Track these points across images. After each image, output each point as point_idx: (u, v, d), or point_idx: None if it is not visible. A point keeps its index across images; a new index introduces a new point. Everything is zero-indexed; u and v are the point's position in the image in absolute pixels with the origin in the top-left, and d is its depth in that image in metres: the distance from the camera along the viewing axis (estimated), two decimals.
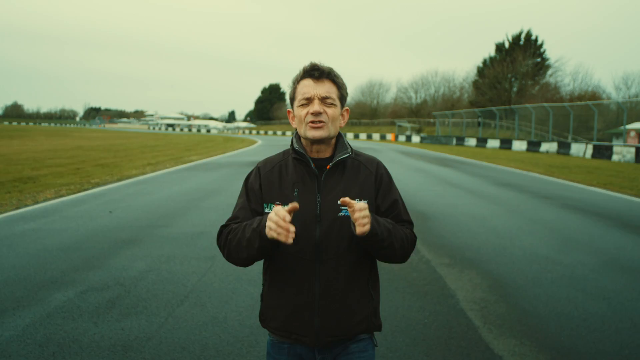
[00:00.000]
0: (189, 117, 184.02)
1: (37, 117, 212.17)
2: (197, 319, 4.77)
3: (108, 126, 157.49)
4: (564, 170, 22.43)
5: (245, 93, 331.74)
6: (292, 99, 2.20)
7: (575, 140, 40.33)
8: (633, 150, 29.87)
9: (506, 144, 44.88)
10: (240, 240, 2.05)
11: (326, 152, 2.20)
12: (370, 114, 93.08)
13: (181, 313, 4.90)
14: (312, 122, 2.11)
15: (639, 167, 25.08)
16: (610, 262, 7.03)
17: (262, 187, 2.18)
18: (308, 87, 2.13)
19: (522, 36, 67.40)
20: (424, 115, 79.85)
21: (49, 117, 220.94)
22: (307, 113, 2.12)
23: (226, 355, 4.06)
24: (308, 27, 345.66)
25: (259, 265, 2.39)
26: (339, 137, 2.23)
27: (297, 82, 2.18)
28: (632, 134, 44.68)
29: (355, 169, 2.22)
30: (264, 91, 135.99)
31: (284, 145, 41.74)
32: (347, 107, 2.26)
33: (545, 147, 39.39)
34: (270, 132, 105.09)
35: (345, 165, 2.20)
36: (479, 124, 57.13)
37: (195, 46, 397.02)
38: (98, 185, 14.42)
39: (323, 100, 2.12)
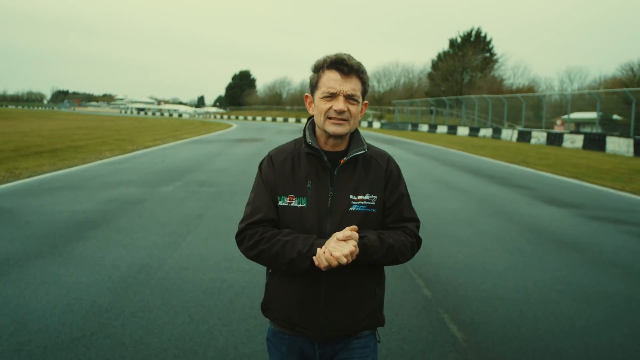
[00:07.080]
0: (159, 102, 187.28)
1: (4, 100, 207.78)
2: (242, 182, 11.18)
3: (78, 110, 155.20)
4: (479, 148, 29.03)
5: (213, 79, 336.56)
6: (314, 87, 2.14)
7: (509, 127, 47.43)
8: (545, 134, 36.96)
9: (452, 129, 51.66)
10: (278, 255, 2.04)
11: (341, 146, 2.17)
12: None
13: (241, 181, 11.30)
14: (335, 118, 2.07)
15: (544, 147, 32.11)
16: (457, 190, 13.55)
17: (275, 179, 2.15)
18: (334, 82, 2.06)
19: (473, 33, 74.67)
20: (386, 103, 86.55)
21: (16, 99, 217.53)
22: (330, 108, 2.07)
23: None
24: (280, 13, 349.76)
25: None
26: (354, 131, 2.20)
27: (321, 70, 2.11)
28: (559, 122, 52.35)
29: (367, 163, 2.19)
30: (235, 78, 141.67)
31: (257, 129, 48.61)
32: (366, 101, 2.21)
33: (483, 132, 46.41)
34: (241, 117, 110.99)
35: (357, 158, 2.17)
36: (431, 112, 64.07)
37: (164, 29, 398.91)
38: (136, 150, 20.53)
39: (348, 97, 2.07)
